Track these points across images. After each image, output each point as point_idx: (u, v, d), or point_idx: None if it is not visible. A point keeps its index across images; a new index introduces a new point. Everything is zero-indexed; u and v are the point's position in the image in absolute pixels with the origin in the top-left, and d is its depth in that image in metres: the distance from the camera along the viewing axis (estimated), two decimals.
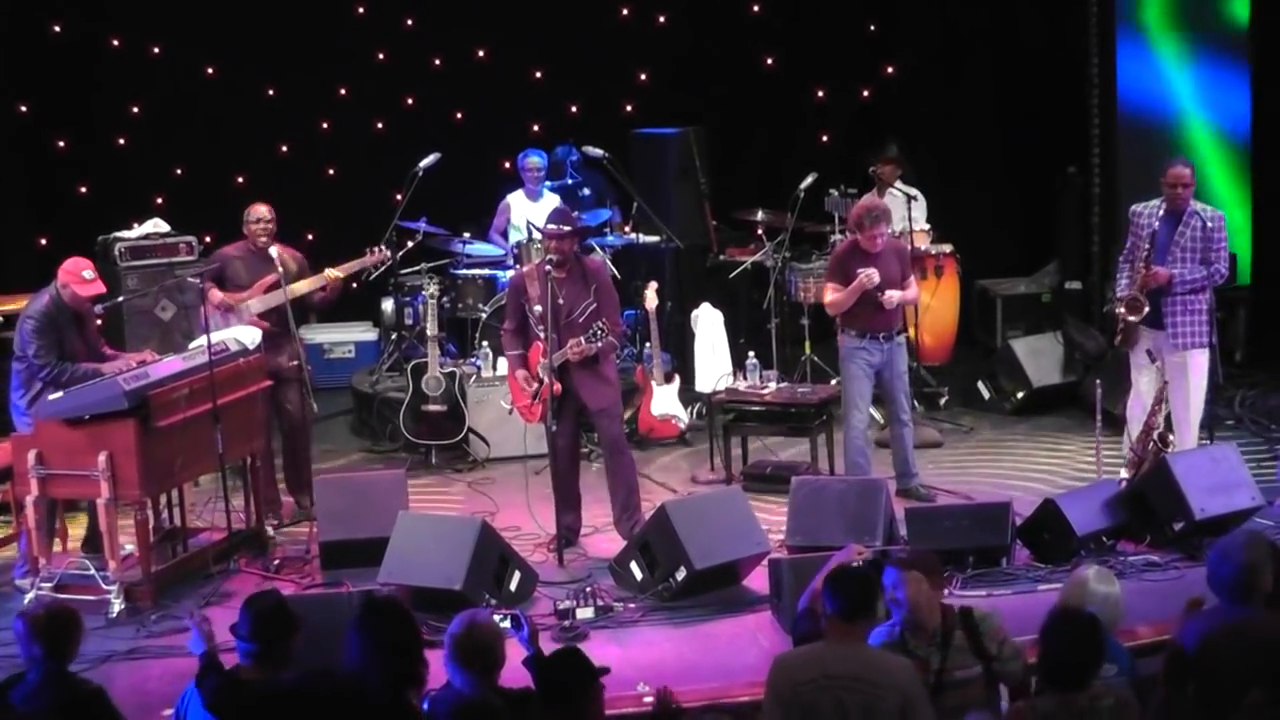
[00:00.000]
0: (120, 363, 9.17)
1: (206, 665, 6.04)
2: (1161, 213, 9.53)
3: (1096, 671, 5.72)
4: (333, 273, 10.20)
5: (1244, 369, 12.41)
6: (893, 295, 9.75)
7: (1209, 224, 9.50)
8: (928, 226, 11.83)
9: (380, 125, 14.12)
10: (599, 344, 9.19)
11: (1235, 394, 11.68)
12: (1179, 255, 9.51)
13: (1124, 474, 9.60)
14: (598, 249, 12.02)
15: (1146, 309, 9.52)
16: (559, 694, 5.71)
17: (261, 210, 10.06)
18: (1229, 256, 9.69)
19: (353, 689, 5.53)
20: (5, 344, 10.00)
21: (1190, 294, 9.50)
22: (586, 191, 13.09)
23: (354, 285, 10.60)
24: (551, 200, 12.50)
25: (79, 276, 9.08)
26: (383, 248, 10.78)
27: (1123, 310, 9.58)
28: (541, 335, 9.24)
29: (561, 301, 9.24)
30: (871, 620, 5.98)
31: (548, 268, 9.20)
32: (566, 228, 9.31)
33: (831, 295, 9.91)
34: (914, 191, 12.10)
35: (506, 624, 6.45)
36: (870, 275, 9.62)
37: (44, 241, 13.01)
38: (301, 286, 10.09)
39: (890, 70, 14.21)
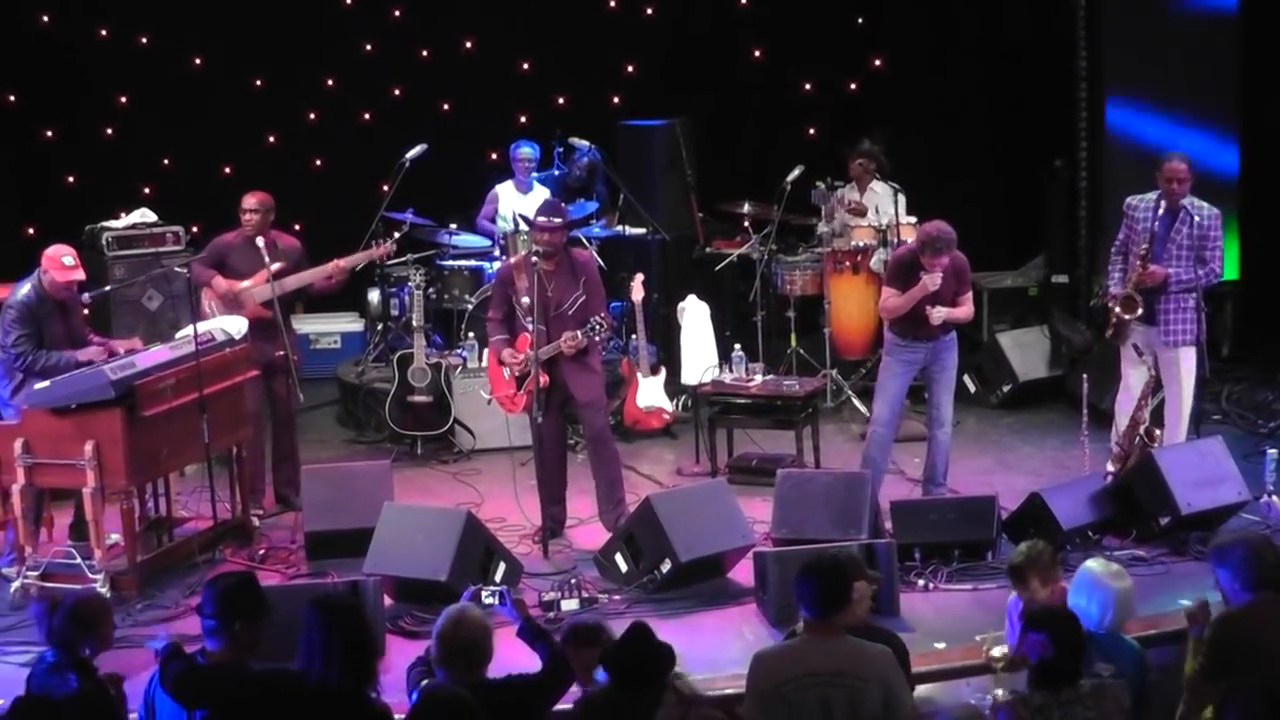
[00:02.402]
0: (96, 349, 9.16)
1: (170, 653, 6.02)
2: (1158, 210, 9.52)
3: (1081, 667, 5.72)
4: (340, 264, 10.18)
5: (1231, 363, 12.42)
6: (940, 311, 9.47)
7: (1204, 222, 9.47)
8: (913, 220, 11.83)
9: (368, 116, 14.12)
10: (596, 338, 9.22)
11: (1222, 389, 11.68)
12: (1174, 253, 9.50)
13: (1110, 467, 9.62)
14: (584, 240, 12.02)
15: (1141, 309, 9.52)
16: (637, 679, 5.70)
17: (248, 201, 10.00)
18: (1223, 254, 9.65)
19: (319, 687, 5.53)
20: None
21: (1183, 291, 9.51)
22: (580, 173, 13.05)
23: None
24: (541, 192, 12.51)
25: (59, 263, 9.05)
26: (389, 241, 10.82)
27: (1118, 310, 9.58)
28: (529, 327, 9.24)
29: (550, 294, 9.25)
30: (847, 608, 5.92)
31: (535, 259, 9.20)
32: (556, 220, 9.30)
33: (889, 300, 9.61)
34: (895, 185, 12.09)
35: (494, 600, 6.48)
36: (934, 278, 9.38)
37: (31, 231, 12.98)
38: (306, 277, 10.08)
39: (877, 63, 14.22)
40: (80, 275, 9.22)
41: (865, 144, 12.45)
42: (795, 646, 5.87)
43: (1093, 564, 6.52)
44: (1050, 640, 5.67)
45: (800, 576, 5.91)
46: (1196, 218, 9.46)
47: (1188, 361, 9.59)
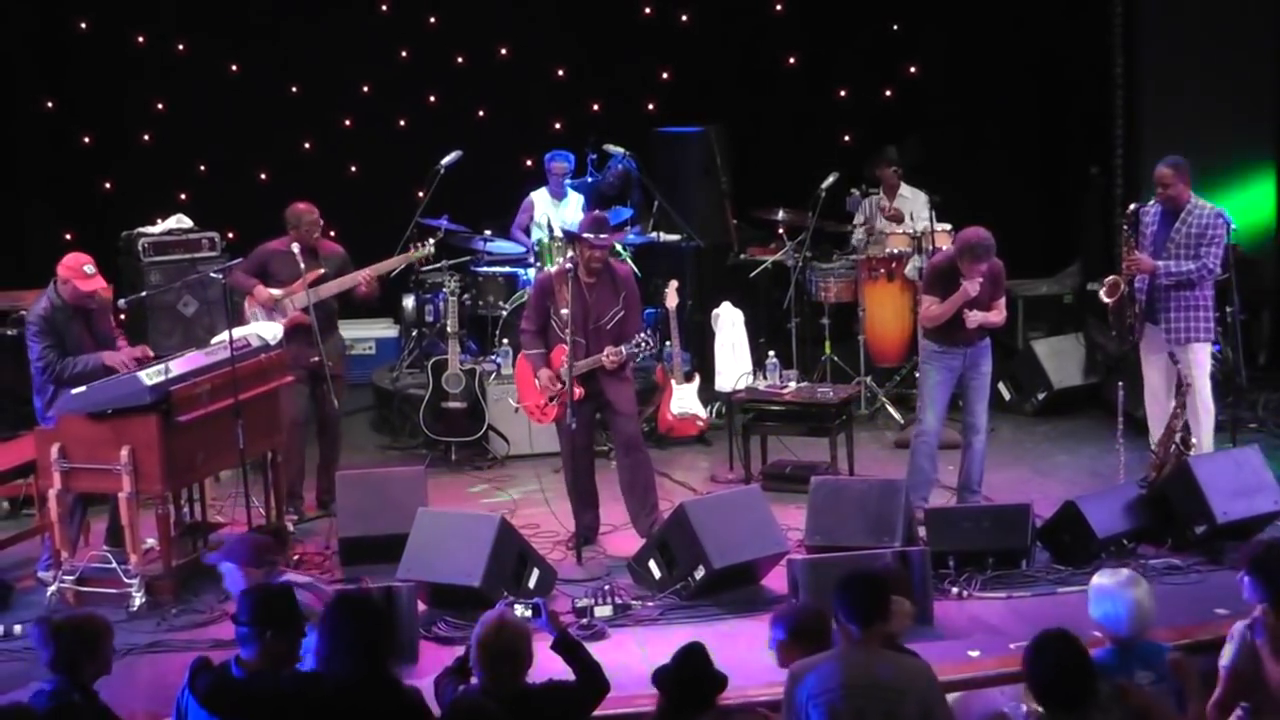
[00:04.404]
0: (124, 354, 9.14)
1: (199, 666, 6.00)
2: (1161, 209, 9.58)
3: (1091, 691, 5.63)
4: (367, 273, 10.23)
5: (1267, 371, 12.36)
6: (975, 315, 9.45)
7: (1205, 221, 9.49)
8: (947, 227, 11.80)
9: (403, 123, 14.14)
10: (639, 356, 9.33)
11: (1258, 397, 11.61)
12: (1173, 251, 9.52)
13: (1146, 475, 9.57)
14: (619, 248, 12.01)
15: (1124, 289, 9.56)
16: (693, 697, 5.76)
17: (315, 211, 10.10)
18: (1222, 253, 9.58)
19: (334, 680, 5.54)
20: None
21: (1184, 289, 9.51)
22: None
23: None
24: (575, 199, 12.52)
25: (79, 272, 9.03)
26: (428, 243, 10.86)
27: (1102, 293, 9.64)
28: (567, 339, 9.25)
29: (590, 307, 9.27)
30: (886, 623, 5.94)
31: (578, 271, 9.26)
32: (604, 236, 9.34)
33: (930, 308, 9.58)
34: (928, 192, 12.07)
35: (529, 613, 6.49)
36: (974, 284, 9.37)
37: (69, 236, 13.05)
38: (344, 282, 10.15)
39: (912, 70, 14.19)
40: (101, 283, 9.21)
41: (890, 151, 12.45)
42: (830, 659, 5.85)
43: (1100, 576, 6.39)
44: (1053, 664, 5.60)
45: (840, 587, 5.91)
46: (1200, 217, 9.46)
47: (1197, 360, 9.56)
